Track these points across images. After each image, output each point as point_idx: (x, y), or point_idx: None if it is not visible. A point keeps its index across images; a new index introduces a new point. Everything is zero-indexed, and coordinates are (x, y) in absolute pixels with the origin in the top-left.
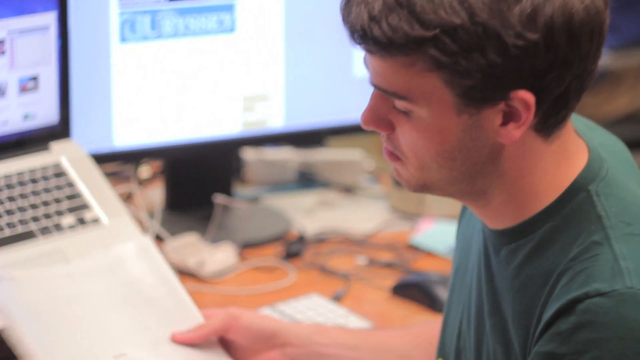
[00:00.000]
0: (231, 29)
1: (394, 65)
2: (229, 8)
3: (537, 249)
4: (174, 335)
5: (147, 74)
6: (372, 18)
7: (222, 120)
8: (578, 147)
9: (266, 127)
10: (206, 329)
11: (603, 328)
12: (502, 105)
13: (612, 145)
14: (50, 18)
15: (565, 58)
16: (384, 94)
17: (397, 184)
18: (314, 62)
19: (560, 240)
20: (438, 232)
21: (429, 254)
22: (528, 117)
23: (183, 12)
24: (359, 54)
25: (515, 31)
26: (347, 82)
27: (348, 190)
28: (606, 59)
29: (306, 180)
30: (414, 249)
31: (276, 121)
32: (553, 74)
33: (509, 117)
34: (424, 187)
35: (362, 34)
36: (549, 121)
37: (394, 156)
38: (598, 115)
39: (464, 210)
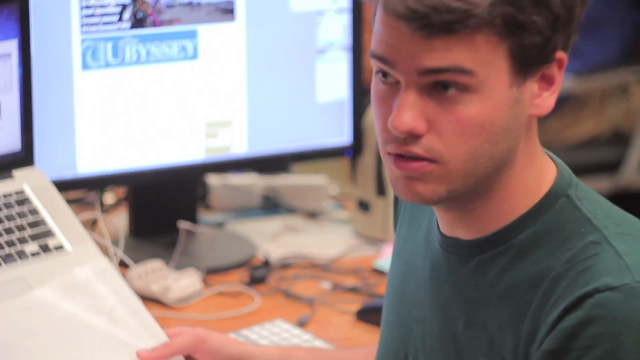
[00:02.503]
0: (193, 56)
1: (464, 37)
2: (191, 35)
3: (518, 255)
4: (139, 353)
5: (110, 100)
6: None
7: (185, 146)
8: (543, 152)
9: (230, 153)
10: (172, 347)
11: (615, 322)
12: (540, 73)
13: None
14: (11, 46)
15: (580, 14)
16: (424, 87)
17: (362, 208)
18: (277, 88)
19: (545, 244)
20: None
21: None
22: (559, 80)
23: (145, 39)
24: (322, 79)
25: None
26: (310, 108)
27: (312, 215)
28: (570, 83)
29: (271, 205)
30: (378, 273)
31: (240, 147)
32: (573, 27)
33: (542, 86)
34: (450, 192)
35: (430, 13)
36: (542, 96)
37: (419, 165)
38: (562, 139)
39: (396, 241)
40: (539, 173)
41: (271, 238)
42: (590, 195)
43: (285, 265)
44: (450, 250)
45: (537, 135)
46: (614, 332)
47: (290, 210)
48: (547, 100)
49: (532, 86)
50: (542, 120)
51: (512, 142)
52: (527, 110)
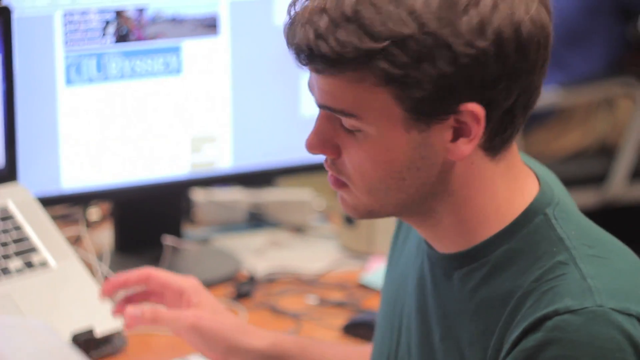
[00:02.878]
0: (177, 71)
1: (343, 81)
2: (175, 50)
3: (492, 271)
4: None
5: (94, 116)
6: (319, 36)
7: (170, 161)
8: (526, 172)
9: (215, 168)
10: (165, 319)
11: (573, 346)
12: (451, 121)
13: (549, 175)
14: None
15: (514, 69)
16: (330, 115)
17: (348, 222)
18: (261, 103)
19: (519, 262)
20: None
21: (379, 292)
22: (478, 131)
23: (129, 55)
24: (306, 93)
25: (465, 40)
26: (294, 122)
27: (298, 230)
28: (556, 96)
29: (256, 220)
30: (365, 287)
31: (224, 162)
32: (502, 85)
33: (459, 132)
34: (371, 213)
35: (309, 54)
36: (496, 139)
37: (339, 183)
38: (549, 151)
39: (392, 248)
40: (512, 191)
41: (257, 253)
42: (569, 214)
43: (271, 280)
44: (434, 262)
45: (504, 159)
46: (572, 355)
47: (276, 224)
48: (461, 148)
49: (441, 132)
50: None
51: (428, 179)
52: (441, 153)
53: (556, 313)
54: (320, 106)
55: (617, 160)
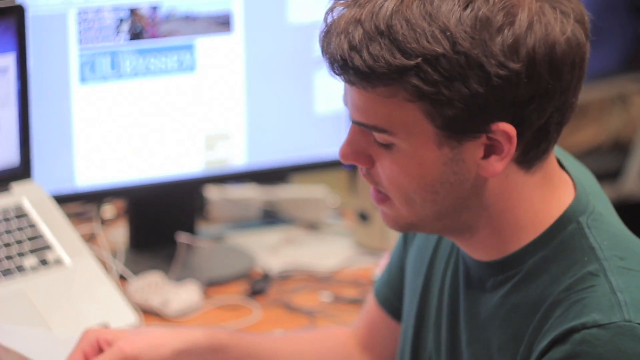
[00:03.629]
0: (191, 69)
1: (375, 96)
2: (189, 48)
3: (525, 279)
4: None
5: (108, 113)
6: (353, 47)
7: (184, 159)
8: (562, 179)
9: (228, 165)
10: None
11: (596, 359)
12: (483, 138)
13: (585, 176)
14: (9, 60)
15: (546, 89)
16: (364, 128)
17: (362, 219)
18: (275, 100)
19: (551, 270)
20: None
21: None
22: (510, 149)
23: (143, 52)
24: (320, 90)
25: (497, 60)
26: (308, 119)
27: (312, 226)
28: None
29: (270, 217)
30: None
31: (238, 159)
32: (534, 105)
33: (491, 150)
34: (411, 226)
35: (342, 64)
36: (530, 154)
37: (381, 197)
38: (563, 147)
39: (405, 243)
40: (548, 200)
41: (271, 250)
42: (603, 223)
43: (285, 277)
44: (469, 267)
45: (540, 170)
46: None
47: (290, 221)
48: (493, 165)
49: (473, 150)
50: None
51: (461, 193)
52: (473, 169)
53: (584, 326)
54: (354, 122)
55: (631, 156)
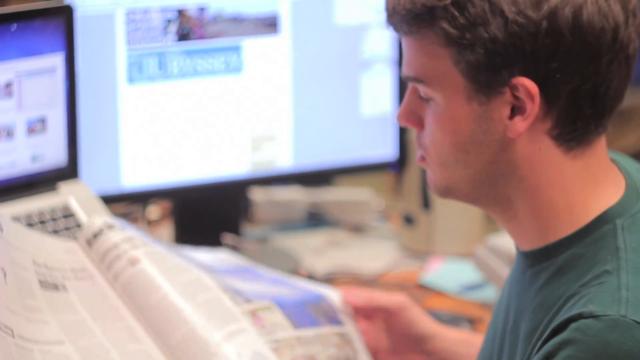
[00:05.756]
0: (238, 70)
1: (414, 42)
2: (236, 49)
3: (556, 273)
4: (346, 292)
5: (155, 114)
6: None
7: (230, 160)
8: (611, 178)
9: (274, 166)
10: (377, 299)
11: (586, 349)
12: (508, 96)
13: None
14: (57, 60)
15: (568, 50)
16: (414, 87)
17: (407, 222)
18: (322, 102)
19: (579, 266)
20: (448, 271)
21: (439, 292)
22: (533, 109)
23: (190, 53)
24: (366, 92)
25: (518, 9)
26: (354, 122)
27: (357, 229)
28: None
29: (315, 219)
30: (424, 288)
31: (284, 161)
32: (557, 64)
33: (516, 111)
34: (447, 190)
35: (391, 13)
36: (564, 130)
37: (420, 157)
38: None
39: None
40: (589, 194)
41: (315, 252)
42: None
43: (329, 280)
44: (518, 259)
45: (582, 158)
46: (584, 358)
47: (335, 224)
48: (517, 125)
49: (500, 108)
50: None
51: (491, 156)
52: (500, 129)
53: (581, 316)
54: (403, 77)
55: None
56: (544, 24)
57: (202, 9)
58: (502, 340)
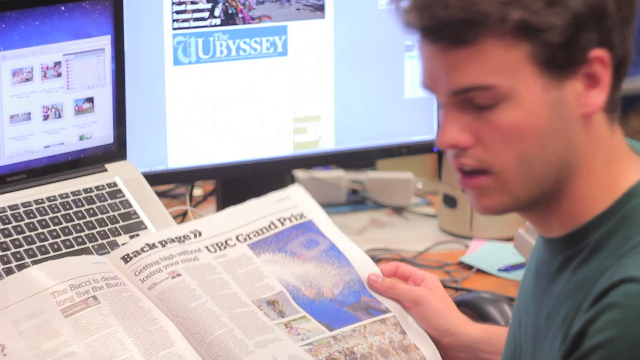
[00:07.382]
0: (283, 52)
1: (475, 48)
2: (281, 31)
3: (590, 254)
4: (371, 275)
5: (200, 95)
6: (446, 5)
7: (273, 141)
8: (630, 155)
9: (317, 148)
10: (396, 291)
11: (629, 311)
12: (581, 73)
13: None
14: (105, 41)
15: (623, 12)
16: (459, 102)
17: (448, 204)
18: (365, 84)
19: (611, 244)
20: (488, 252)
21: (479, 271)
22: (607, 78)
23: (235, 35)
24: (410, 75)
25: None
26: (398, 104)
27: (398, 210)
28: None
29: (357, 200)
30: (465, 267)
31: (327, 143)
32: (616, 30)
33: (589, 85)
34: (514, 202)
35: (438, 27)
36: (611, 100)
37: (475, 179)
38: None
39: None
40: (617, 173)
41: (357, 232)
42: None
43: (371, 260)
44: (545, 247)
45: (615, 134)
46: (627, 320)
47: (376, 205)
48: (595, 99)
49: (574, 86)
50: (624, 118)
51: (566, 142)
52: (575, 110)
53: (622, 282)
54: (454, 92)
55: None
56: None
57: None
58: (537, 329)
